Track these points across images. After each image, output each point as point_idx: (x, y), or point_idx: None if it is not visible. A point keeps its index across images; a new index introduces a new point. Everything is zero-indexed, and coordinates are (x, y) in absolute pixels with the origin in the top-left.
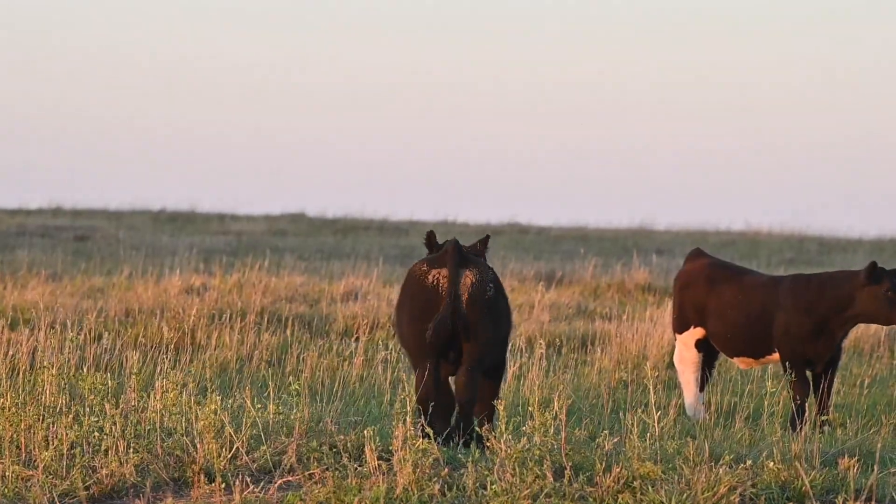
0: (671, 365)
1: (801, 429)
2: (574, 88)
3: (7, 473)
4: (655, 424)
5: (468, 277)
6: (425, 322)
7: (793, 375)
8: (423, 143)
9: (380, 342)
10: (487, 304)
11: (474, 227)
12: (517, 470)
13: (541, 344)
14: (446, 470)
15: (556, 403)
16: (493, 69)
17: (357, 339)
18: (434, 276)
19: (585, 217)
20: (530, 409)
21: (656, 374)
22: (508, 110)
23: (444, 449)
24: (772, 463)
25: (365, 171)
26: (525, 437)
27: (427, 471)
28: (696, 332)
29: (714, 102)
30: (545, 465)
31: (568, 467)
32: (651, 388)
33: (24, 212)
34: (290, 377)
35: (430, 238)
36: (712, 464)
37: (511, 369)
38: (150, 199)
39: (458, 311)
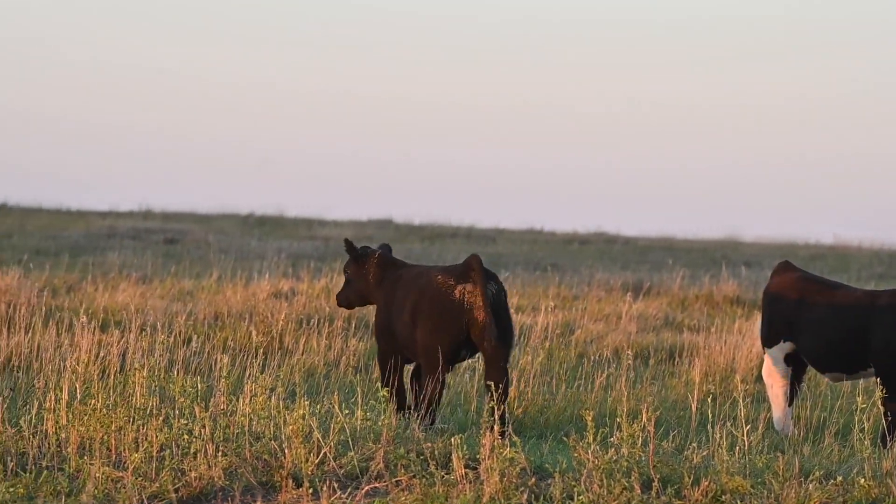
0: (759, 378)
1: (892, 445)
2: (665, 100)
3: (98, 474)
4: (744, 438)
5: (490, 289)
6: (448, 331)
7: (884, 391)
8: (511, 153)
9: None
10: (505, 307)
11: (561, 237)
12: (604, 481)
13: (628, 355)
14: (533, 479)
15: (644, 415)
16: (581, 83)
17: None
18: (461, 290)
19: (673, 227)
20: (618, 419)
21: (745, 387)
22: (595, 119)
23: (532, 458)
24: (863, 479)
25: (452, 179)
26: (613, 448)
27: (514, 480)
28: (785, 347)
29: (806, 114)
30: (633, 477)
31: (656, 479)
32: (740, 401)
33: (115, 214)
34: (378, 383)
35: (350, 245)
36: (802, 479)
37: (598, 380)
38: (239, 203)
39: (492, 320)
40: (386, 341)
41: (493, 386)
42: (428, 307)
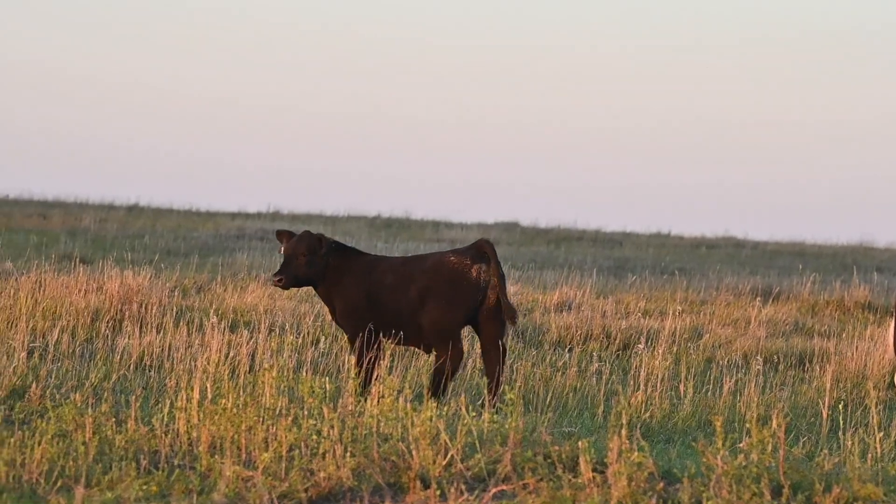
0: (892, 385)
1: None
2: (797, 106)
3: (229, 473)
4: (877, 445)
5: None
6: (462, 306)
7: None
8: (638, 159)
9: (593, 353)
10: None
11: (689, 241)
12: (734, 487)
13: (757, 360)
14: (661, 484)
15: (773, 421)
16: (707, 91)
17: (570, 350)
18: (477, 269)
19: (802, 232)
20: (747, 425)
21: (877, 394)
22: (722, 125)
23: (660, 463)
24: None
25: (579, 183)
26: (742, 454)
27: (642, 484)
28: None
29: None
30: (762, 483)
31: (786, 486)
32: (872, 408)
33: (244, 215)
34: (505, 386)
35: (281, 236)
36: None
37: (727, 384)
38: (366, 206)
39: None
40: (358, 321)
41: (492, 361)
42: (445, 287)
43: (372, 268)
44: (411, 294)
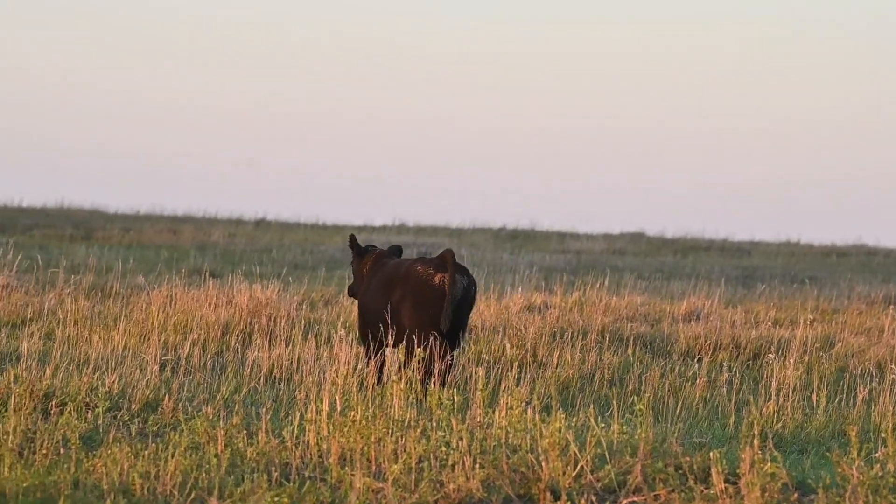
0: None
1: None
2: None
3: (359, 485)
4: None
5: (463, 282)
6: (428, 311)
7: None
8: (765, 165)
9: (723, 363)
10: (472, 302)
11: (819, 249)
12: (870, 497)
13: (892, 369)
14: (795, 495)
15: None
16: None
17: (699, 360)
18: (440, 278)
19: None
20: (883, 435)
21: None
22: (852, 127)
23: (794, 473)
24: None
25: (705, 192)
26: (878, 465)
27: (776, 495)
28: None
29: None
30: None
31: None
32: None
33: (370, 228)
34: (634, 397)
35: (353, 240)
36: None
37: (861, 394)
38: (491, 217)
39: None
40: (365, 323)
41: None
42: (405, 289)
43: (379, 269)
44: (391, 298)
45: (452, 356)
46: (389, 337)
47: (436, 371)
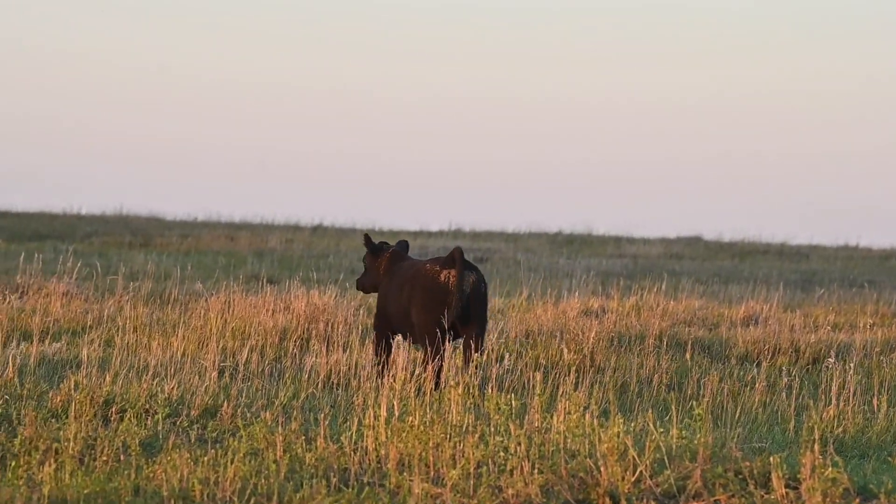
0: None
1: None
2: None
3: (418, 491)
4: None
5: (471, 277)
6: (436, 310)
7: None
8: (826, 169)
9: (782, 367)
10: (484, 297)
11: (878, 252)
12: None
13: None
14: (857, 500)
15: None
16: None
17: (758, 364)
18: (445, 275)
19: None
20: None
21: None
22: None
23: (855, 479)
24: None
25: (762, 195)
26: None
27: (837, 500)
28: None
29: None
30: None
31: None
32: None
33: (426, 233)
34: (692, 401)
35: (367, 239)
36: None
37: None
38: (547, 222)
39: (463, 302)
40: (382, 322)
41: (466, 359)
42: (421, 292)
43: (395, 270)
44: (402, 297)
45: (481, 351)
46: (404, 336)
47: (443, 369)
